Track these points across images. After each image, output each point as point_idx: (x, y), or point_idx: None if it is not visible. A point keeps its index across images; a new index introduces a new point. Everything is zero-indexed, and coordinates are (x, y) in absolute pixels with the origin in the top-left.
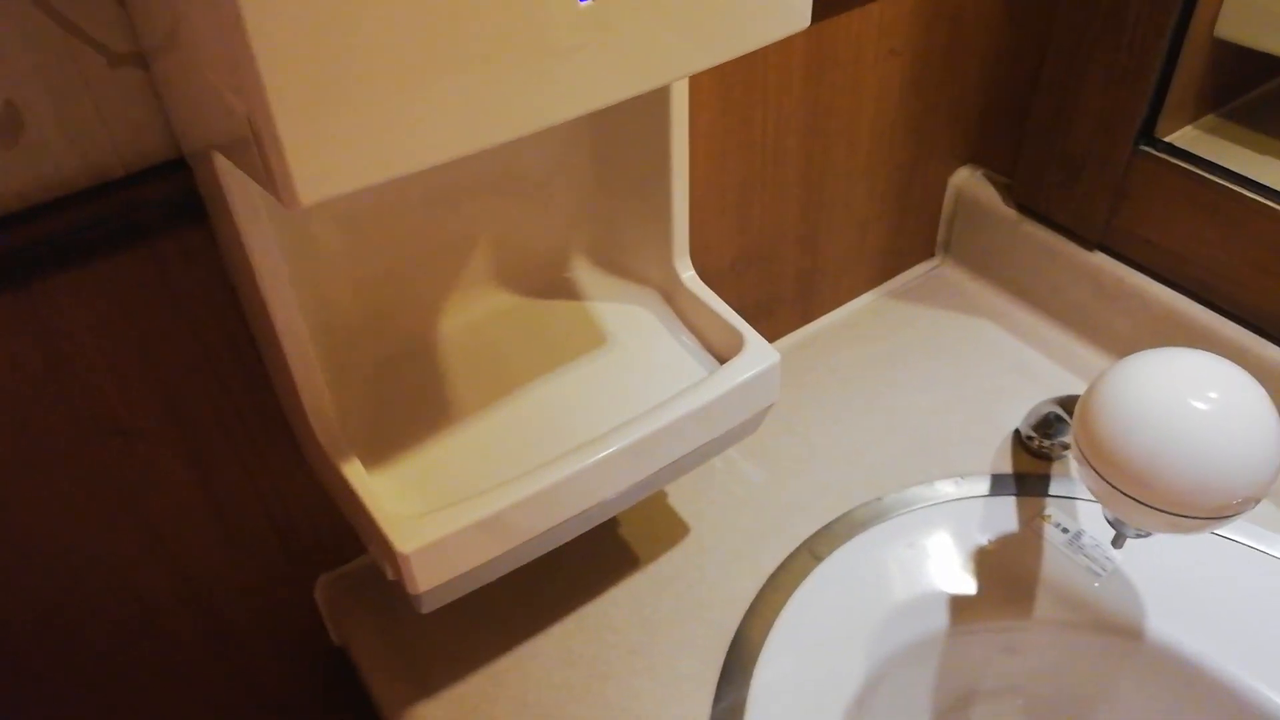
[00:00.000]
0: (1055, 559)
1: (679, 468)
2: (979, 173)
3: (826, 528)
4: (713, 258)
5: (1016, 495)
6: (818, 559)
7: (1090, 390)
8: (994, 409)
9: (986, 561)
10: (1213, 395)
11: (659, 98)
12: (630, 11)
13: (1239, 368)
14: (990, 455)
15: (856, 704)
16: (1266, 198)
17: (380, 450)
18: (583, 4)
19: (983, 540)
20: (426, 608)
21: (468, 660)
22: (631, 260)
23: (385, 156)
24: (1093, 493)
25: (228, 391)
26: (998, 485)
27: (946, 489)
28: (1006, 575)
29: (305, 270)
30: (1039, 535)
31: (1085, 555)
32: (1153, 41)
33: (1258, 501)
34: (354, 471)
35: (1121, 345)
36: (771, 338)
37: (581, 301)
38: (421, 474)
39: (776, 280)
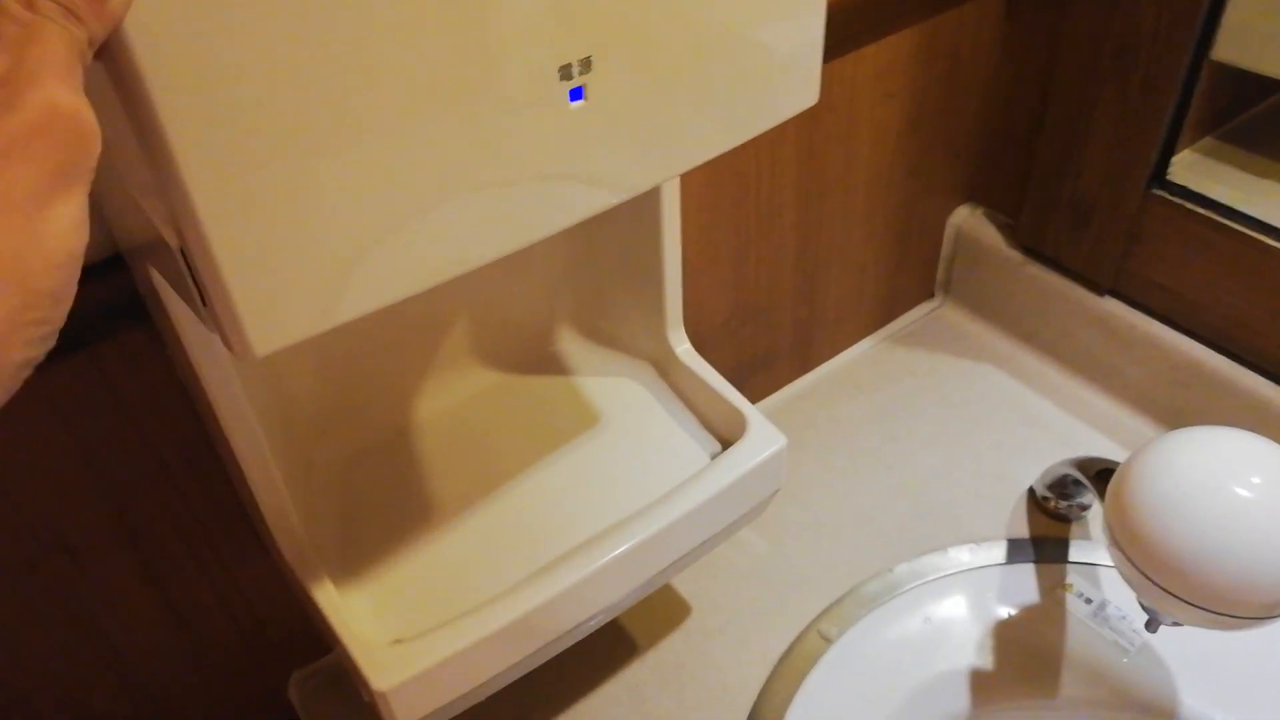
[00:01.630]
0: (1080, 632)
1: (681, 564)
2: (979, 211)
3: (836, 604)
4: (706, 315)
5: (1035, 562)
6: (828, 640)
7: (1123, 471)
8: (1006, 465)
9: (1007, 636)
10: (1257, 480)
11: None
12: (625, 110)
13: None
14: (1005, 517)
15: None
16: None
17: (354, 560)
18: (573, 104)
19: (1002, 613)
20: None
21: None
22: (621, 331)
23: (354, 294)
24: (1126, 580)
25: (183, 496)
26: (1015, 551)
27: (961, 557)
28: (1029, 651)
29: (262, 365)
30: (1061, 606)
31: (1111, 628)
32: (1166, 78)
33: None
34: (325, 593)
35: (1134, 394)
36: (769, 391)
37: (570, 377)
38: (400, 586)
39: (773, 333)
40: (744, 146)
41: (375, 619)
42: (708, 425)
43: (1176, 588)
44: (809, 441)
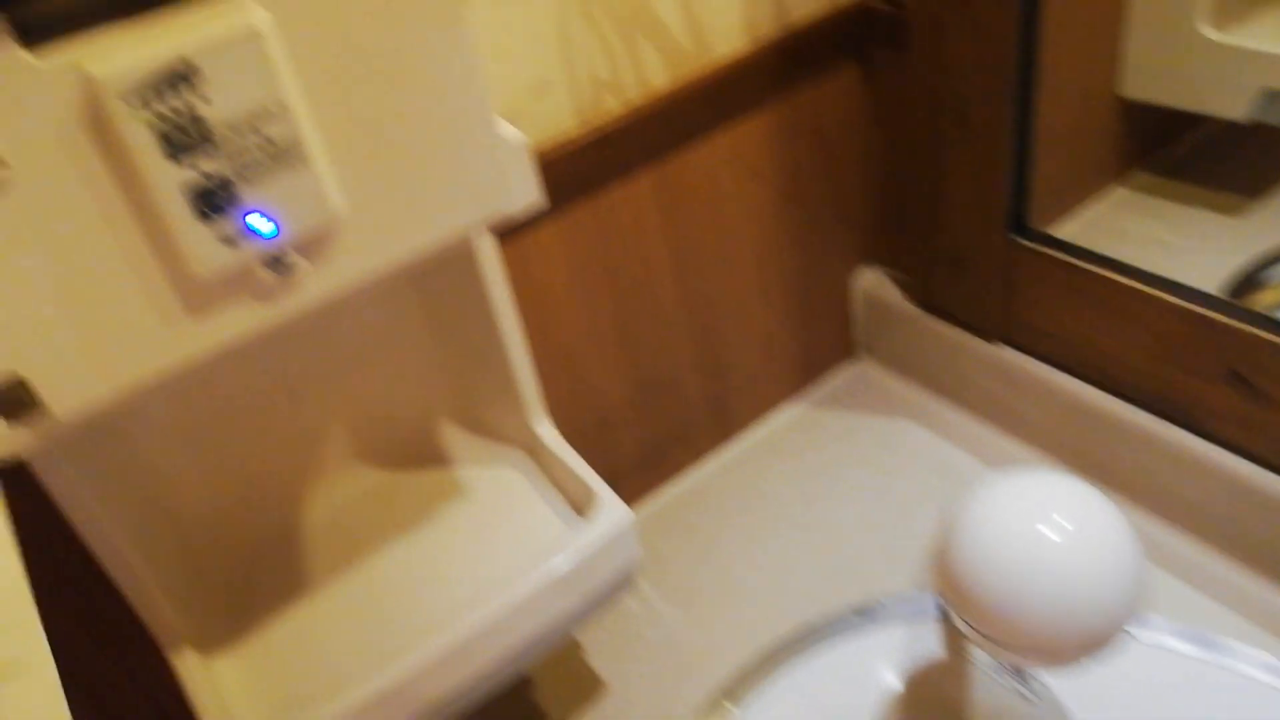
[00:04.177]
0: (986, 686)
1: (547, 640)
2: (880, 271)
3: (746, 669)
4: (604, 397)
5: (941, 616)
6: (732, 708)
7: (943, 533)
8: (917, 517)
9: (914, 695)
10: (1068, 526)
11: (467, 265)
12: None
13: (1088, 485)
14: (913, 570)
15: None
16: (1149, 285)
17: (236, 648)
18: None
19: (908, 670)
20: None
21: None
22: (493, 419)
23: None
24: (962, 633)
25: (92, 604)
26: (921, 605)
27: (869, 614)
28: (935, 708)
29: (143, 484)
30: (966, 660)
31: (1015, 679)
32: (998, 139)
33: (1129, 623)
34: (190, 676)
35: (1038, 437)
36: (688, 463)
37: (448, 469)
38: (273, 672)
39: (684, 406)
40: (607, 238)
41: (251, 698)
42: (573, 504)
43: (1000, 636)
44: (729, 510)
